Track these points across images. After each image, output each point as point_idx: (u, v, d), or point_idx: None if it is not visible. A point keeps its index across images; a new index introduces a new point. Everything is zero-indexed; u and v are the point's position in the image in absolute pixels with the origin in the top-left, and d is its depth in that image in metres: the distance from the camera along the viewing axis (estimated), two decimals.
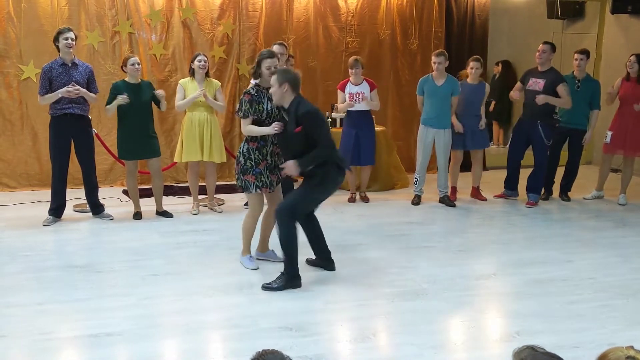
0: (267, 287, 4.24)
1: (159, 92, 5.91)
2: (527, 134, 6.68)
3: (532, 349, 1.60)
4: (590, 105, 6.85)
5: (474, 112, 6.67)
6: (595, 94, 6.83)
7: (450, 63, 6.73)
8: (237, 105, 4.55)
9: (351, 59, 6.67)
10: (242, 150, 4.49)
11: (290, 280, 4.28)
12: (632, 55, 6.71)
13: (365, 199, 6.92)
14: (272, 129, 4.32)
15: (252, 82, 4.68)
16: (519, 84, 6.80)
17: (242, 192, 4.68)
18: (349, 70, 6.60)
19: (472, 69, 6.66)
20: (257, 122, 4.43)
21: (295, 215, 4.31)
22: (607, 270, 4.73)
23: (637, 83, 6.63)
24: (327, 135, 4.30)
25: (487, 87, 6.76)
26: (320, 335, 3.57)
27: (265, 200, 4.68)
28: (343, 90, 6.62)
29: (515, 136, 6.86)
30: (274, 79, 4.23)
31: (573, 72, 6.88)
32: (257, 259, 4.82)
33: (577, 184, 7.51)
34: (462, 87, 6.66)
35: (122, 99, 5.61)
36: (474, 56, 6.85)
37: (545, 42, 6.56)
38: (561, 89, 6.43)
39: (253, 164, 4.45)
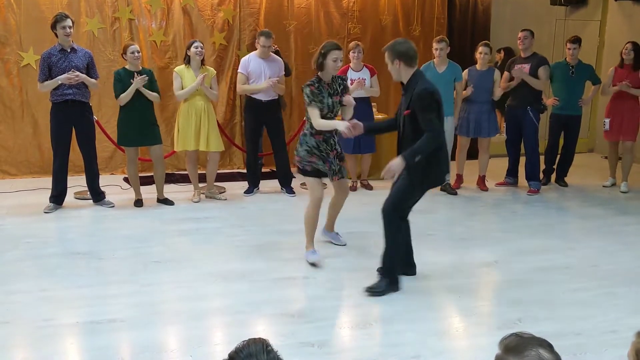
0: (370, 291, 3.93)
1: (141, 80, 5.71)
2: (518, 120, 6.75)
3: (517, 335, 1.59)
4: (593, 83, 7.04)
5: (482, 98, 6.61)
6: (592, 74, 7.03)
7: (452, 50, 6.70)
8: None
9: (352, 43, 6.64)
10: (306, 140, 4.43)
11: (391, 284, 3.98)
12: (628, 42, 6.80)
13: (368, 187, 6.90)
14: (344, 126, 4.06)
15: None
16: (506, 73, 6.82)
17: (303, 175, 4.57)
18: (350, 54, 6.53)
19: (480, 54, 6.59)
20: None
21: (401, 214, 4.00)
22: (610, 258, 4.72)
23: (631, 70, 6.72)
24: (435, 122, 3.73)
25: (497, 73, 6.63)
26: (323, 322, 3.57)
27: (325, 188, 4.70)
28: None
29: (508, 124, 6.94)
30: (386, 57, 3.87)
31: (565, 59, 6.96)
32: (323, 241, 4.89)
33: (581, 172, 7.50)
34: (470, 74, 6.63)
35: (140, 79, 5.58)
36: (483, 41, 6.82)
37: (524, 29, 6.67)
38: (542, 71, 6.57)
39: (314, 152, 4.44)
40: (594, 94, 7.18)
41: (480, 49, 6.60)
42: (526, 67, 6.57)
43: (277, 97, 6.44)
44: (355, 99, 6.35)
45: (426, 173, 3.85)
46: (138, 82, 5.60)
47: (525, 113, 6.64)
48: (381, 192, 6.77)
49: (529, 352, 1.51)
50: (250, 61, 6.28)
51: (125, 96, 5.66)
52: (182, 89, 5.93)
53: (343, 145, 6.72)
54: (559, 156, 7.21)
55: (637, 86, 6.68)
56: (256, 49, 7.04)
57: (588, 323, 3.57)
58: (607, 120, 6.88)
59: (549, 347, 1.55)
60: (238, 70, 6.35)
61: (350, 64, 6.58)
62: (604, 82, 6.97)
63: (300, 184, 6.75)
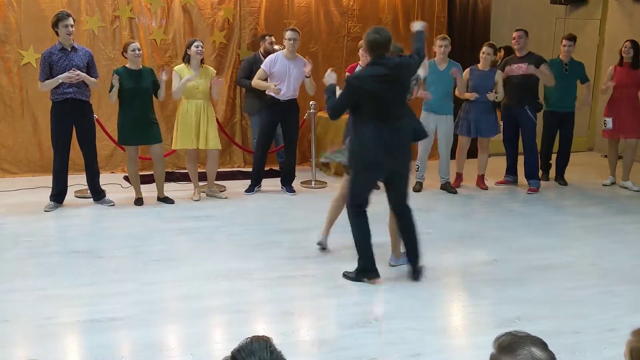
0: (344, 274, 4.21)
1: (162, 76, 5.87)
2: (516, 118, 6.79)
3: (511, 334, 1.60)
4: (582, 82, 7.05)
5: (483, 98, 6.60)
6: (582, 72, 7.06)
7: (452, 48, 6.70)
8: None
9: (362, 41, 6.58)
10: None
11: (361, 273, 4.12)
12: (627, 41, 6.84)
13: (375, 187, 6.86)
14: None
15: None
16: (499, 72, 6.83)
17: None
18: (360, 51, 6.50)
19: (483, 54, 6.60)
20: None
21: (353, 203, 4.12)
22: (609, 257, 4.73)
23: (630, 68, 6.74)
24: (339, 103, 4.06)
25: (499, 74, 6.65)
26: (322, 321, 3.58)
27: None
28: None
29: (505, 122, 6.96)
30: None
31: (559, 56, 7.00)
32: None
33: (580, 170, 7.51)
34: (471, 73, 6.64)
35: (114, 80, 5.62)
36: (488, 42, 6.86)
37: (518, 29, 6.71)
38: (544, 68, 6.61)
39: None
40: (589, 91, 7.17)
41: (484, 49, 6.61)
42: (523, 66, 6.59)
43: (295, 97, 6.42)
44: None
45: (356, 158, 4.06)
46: (114, 82, 5.63)
47: (522, 112, 6.67)
48: (380, 190, 6.79)
49: (521, 351, 1.52)
50: (277, 62, 6.21)
51: (111, 95, 5.71)
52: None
53: None
54: (556, 154, 7.23)
55: (637, 84, 6.70)
56: (259, 48, 7.04)
57: (587, 321, 3.58)
58: (609, 120, 6.88)
59: (542, 345, 1.55)
60: (261, 66, 6.31)
61: (360, 62, 6.55)
62: (603, 81, 6.99)
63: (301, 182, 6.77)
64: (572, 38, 6.93)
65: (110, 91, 5.72)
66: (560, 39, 7.11)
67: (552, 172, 7.33)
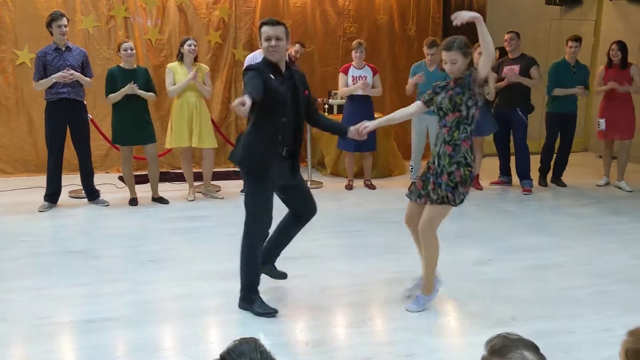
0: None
1: (145, 94, 5.81)
2: (507, 119, 6.80)
3: (503, 336, 1.59)
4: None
5: None
6: (587, 77, 7.04)
7: None
8: None
9: (355, 41, 6.67)
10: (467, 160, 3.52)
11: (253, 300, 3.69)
12: (613, 43, 6.83)
13: (371, 187, 6.89)
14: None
15: None
16: (492, 73, 6.83)
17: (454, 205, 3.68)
18: (353, 52, 6.57)
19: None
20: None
21: (254, 219, 3.71)
22: (604, 257, 4.75)
23: (620, 69, 6.76)
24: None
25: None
26: (317, 321, 3.58)
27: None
28: (346, 73, 6.60)
29: (497, 123, 6.95)
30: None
31: (564, 58, 6.97)
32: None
33: (575, 171, 7.52)
34: None
35: (130, 87, 5.60)
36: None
37: (510, 31, 6.74)
38: (534, 71, 6.63)
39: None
40: (579, 95, 7.13)
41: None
42: (515, 68, 6.61)
43: None
44: (358, 97, 6.50)
45: (246, 157, 3.74)
46: (128, 88, 5.62)
47: (514, 113, 6.70)
48: (376, 191, 6.82)
49: (512, 354, 1.51)
50: (256, 60, 6.24)
51: (114, 97, 5.68)
52: (174, 85, 5.94)
53: (344, 143, 6.75)
54: (555, 156, 7.23)
55: (628, 84, 6.73)
56: (256, 47, 7.05)
57: (582, 321, 3.59)
58: (602, 121, 6.90)
59: (534, 349, 1.54)
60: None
61: (353, 62, 6.61)
62: (595, 82, 7.00)
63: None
64: (578, 39, 6.87)
65: (106, 92, 5.69)
66: (566, 40, 7.02)
67: (551, 173, 7.33)
